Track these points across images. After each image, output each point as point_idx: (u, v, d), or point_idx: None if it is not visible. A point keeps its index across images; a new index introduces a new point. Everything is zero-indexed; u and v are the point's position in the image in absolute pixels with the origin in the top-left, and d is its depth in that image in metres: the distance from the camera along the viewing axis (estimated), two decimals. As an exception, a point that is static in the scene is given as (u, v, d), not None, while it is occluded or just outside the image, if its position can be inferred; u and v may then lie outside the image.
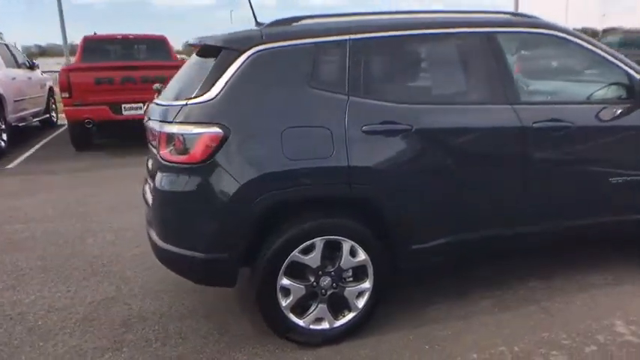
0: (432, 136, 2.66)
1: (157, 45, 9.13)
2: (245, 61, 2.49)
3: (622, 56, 3.13)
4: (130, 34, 9.23)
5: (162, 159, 2.51)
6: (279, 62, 2.54)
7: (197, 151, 2.39)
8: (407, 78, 2.86)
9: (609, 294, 3.12)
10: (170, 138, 2.48)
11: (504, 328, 2.77)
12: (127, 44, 9.23)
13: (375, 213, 2.61)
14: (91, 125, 7.88)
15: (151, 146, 2.84)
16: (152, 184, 2.69)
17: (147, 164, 3.03)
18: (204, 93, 2.45)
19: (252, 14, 3.01)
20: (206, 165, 2.39)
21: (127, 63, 8.24)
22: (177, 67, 3.31)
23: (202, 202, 2.46)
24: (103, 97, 7.70)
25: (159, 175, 2.57)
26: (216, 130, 2.38)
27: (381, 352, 2.61)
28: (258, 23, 2.89)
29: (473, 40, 2.87)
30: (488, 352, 2.56)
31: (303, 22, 2.77)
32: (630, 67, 3.07)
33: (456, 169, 2.71)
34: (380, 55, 2.74)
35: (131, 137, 7.50)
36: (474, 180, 2.77)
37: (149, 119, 2.78)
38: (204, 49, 2.83)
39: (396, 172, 2.59)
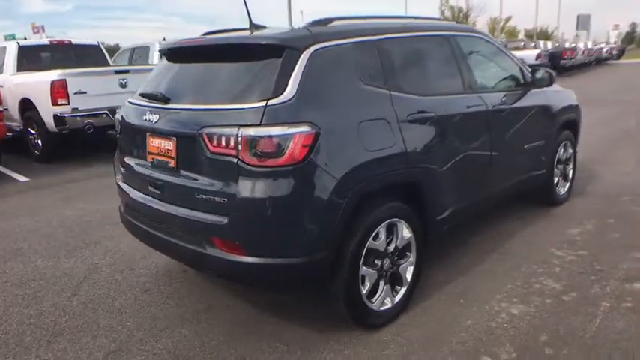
0: (446, 121, 3.17)
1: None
2: (308, 59, 2.51)
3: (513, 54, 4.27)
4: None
5: (248, 165, 2.34)
6: (334, 60, 2.65)
7: (294, 151, 2.33)
8: (422, 73, 3.25)
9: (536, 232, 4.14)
10: (253, 142, 2.33)
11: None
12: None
13: (418, 192, 2.97)
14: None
15: (165, 157, 2.73)
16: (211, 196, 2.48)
17: (138, 176, 2.95)
18: (280, 93, 2.39)
19: (247, 15, 3.01)
20: (303, 165, 2.35)
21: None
22: None
23: (303, 204, 2.40)
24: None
25: (243, 184, 2.37)
26: (308, 129, 2.37)
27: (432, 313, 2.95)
28: (252, 25, 2.95)
29: (452, 41, 3.49)
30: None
31: (337, 22, 2.89)
32: (520, 63, 4.19)
33: (459, 146, 3.29)
34: (403, 53, 3.09)
35: None
36: (468, 153, 3.36)
37: (155, 129, 2.74)
38: (225, 49, 2.79)
39: (431, 153, 3.00)
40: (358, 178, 2.53)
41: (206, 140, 2.44)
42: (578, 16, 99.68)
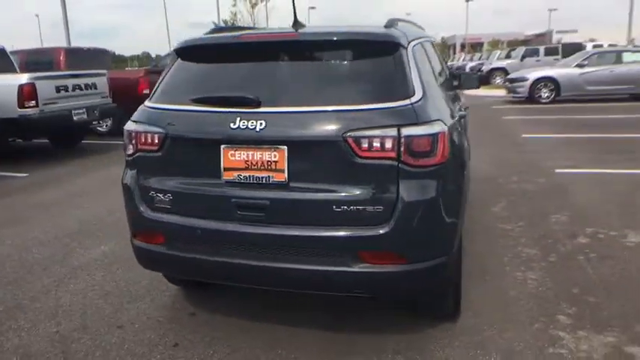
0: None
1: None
2: (413, 56, 2.50)
3: None
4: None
5: (409, 166, 2.21)
6: (422, 57, 2.78)
7: (444, 149, 2.28)
8: (437, 72, 3.28)
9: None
10: (413, 142, 2.21)
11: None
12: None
13: None
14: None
15: (265, 170, 2.32)
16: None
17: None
18: (411, 91, 2.31)
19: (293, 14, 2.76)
20: (447, 162, 2.32)
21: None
22: None
23: (451, 202, 2.40)
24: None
25: (406, 187, 2.23)
26: (445, 126, 2.34)
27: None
28: (297, 22, 2.71)
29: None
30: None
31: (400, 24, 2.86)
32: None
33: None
34: (430, 54, 3.30)
35: None
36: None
37: (246, 138, 2.29)
38: (323, 44, 2.50)
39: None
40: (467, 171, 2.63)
41: (352, 144, 2.20)
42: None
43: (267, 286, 2.64)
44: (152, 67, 15.77)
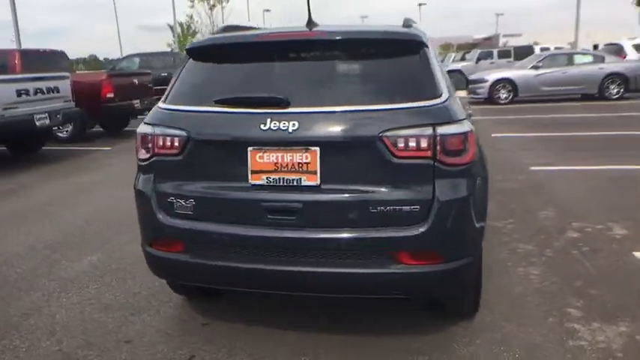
0: None
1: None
2: (433, 56, 2.50)
3: None
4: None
5: (444, 165, 2.22)
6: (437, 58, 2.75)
7: (474, 148, 2.33)
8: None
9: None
10: (448, 140, 2.22)
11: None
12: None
13: None
14: None
15: (296, 172, 2.26)
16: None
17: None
18: (439, 89, 2.33)
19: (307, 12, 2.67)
20: (476, 160, 2.38)
21: None
22: None
23: (481, 199, 2.44)
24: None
25: (442, 185, 2.23)
26: (471, 125, 2.36)
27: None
28: (311, 22, 2.62)
29: None
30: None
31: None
32: None
33: None
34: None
35: None
36: None
37: (278, 139, 2.23)
38: (348, 43, 2.47)
39: None
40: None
41: (389, 144, 2.19)
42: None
43: (298, 292, 2.57)
44: (110, 70, 15.25)
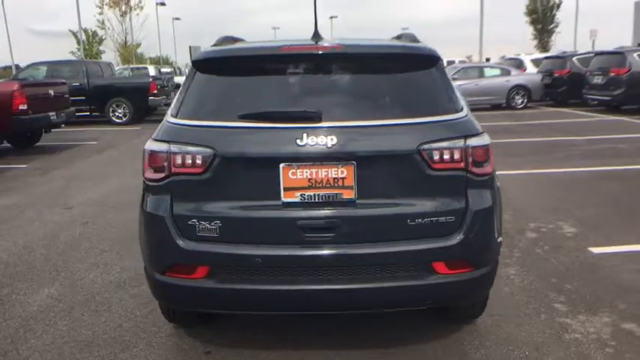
0: None
1: None
2: (447, 71, 2.61)
3: None
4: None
5: (474, 175, 2.31)
6: None
7: (492, 159, 2.38)
8: None
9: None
10: (477, 152, 2.31)
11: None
12: None
13: None
14: None
15: (331, 188, 2.23)
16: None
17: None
18: (460, 104, 2.43)
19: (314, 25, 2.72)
20: (494, 171, 2.46)
21: None
22: None
23: (499, 208, 2.49)
24: None
25: (474, 195, 2.32)
26: (489, 137, 2.44)
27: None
28: (317, 35, 2.64)
29: None
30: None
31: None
32: None
33: None
34: None
35: None
36: None
37: (316, 155, 2.20)
38: (369, 58, 2.54)
39: None
40: None
41: (426, 156, 2.23)
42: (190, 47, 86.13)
43: (333, 311, 2.53)
44: (20, 79, 13.88)
